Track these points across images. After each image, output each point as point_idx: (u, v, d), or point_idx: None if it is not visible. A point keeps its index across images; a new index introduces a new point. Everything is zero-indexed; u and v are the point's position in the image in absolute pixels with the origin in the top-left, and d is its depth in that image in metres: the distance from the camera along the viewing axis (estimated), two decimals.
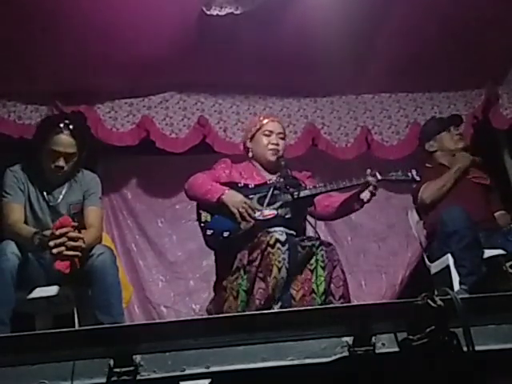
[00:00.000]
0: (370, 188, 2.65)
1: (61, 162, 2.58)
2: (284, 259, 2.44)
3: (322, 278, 2.50)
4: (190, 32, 3.37)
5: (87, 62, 3.45)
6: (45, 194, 2.64)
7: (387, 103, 4.22)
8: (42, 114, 3.70)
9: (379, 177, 2.68)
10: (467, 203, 3.03)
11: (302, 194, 2.72)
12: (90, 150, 2.74)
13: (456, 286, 2.80)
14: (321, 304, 2.45)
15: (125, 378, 1.68)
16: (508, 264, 2.88)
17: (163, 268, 4.08)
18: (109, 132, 3.81)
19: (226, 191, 2.70)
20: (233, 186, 2.78)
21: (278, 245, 2.46)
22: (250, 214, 2.65)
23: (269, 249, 2.46)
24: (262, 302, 2.38)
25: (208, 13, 3.18)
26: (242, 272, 2.52)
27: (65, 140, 2.58)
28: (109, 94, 3.85)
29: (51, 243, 2.36)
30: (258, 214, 2.68)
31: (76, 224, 2.48)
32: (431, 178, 3.19)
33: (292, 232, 2.67)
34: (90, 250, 2.44)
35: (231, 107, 4.03)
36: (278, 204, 2.72)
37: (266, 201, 2.73)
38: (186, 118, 3.93)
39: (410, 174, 2.73)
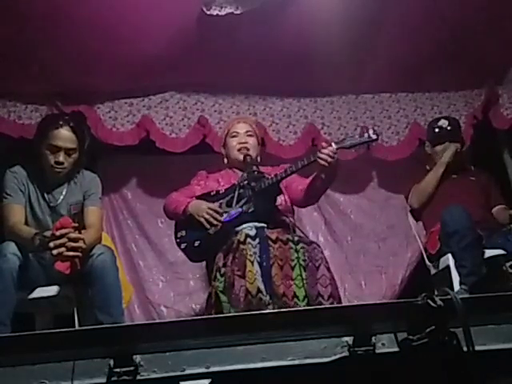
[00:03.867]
0: (324, 157, 2.61)
1: (61, 158, 2.57)
2: (255, 253, 2.46)
3: (304, 281, 2.48)
4: (189, 32, 3.37)
5: (87, 61, 3.45)
6: (45, 194, 2.63)
7: (387, 103, 4.21)
8: (42, 113, 3.69)
9: (334, 146, 2.66)
10: (467, 203, 3.03)
11: (264, 185, 2.74)
12: (90, 149, 2.74)
13: (456, 286, 2.80)
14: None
15: (125, 377, 1.68)
16: (508, 264, 2.89)
17: (163, 268, 4.07)
18: (109, 132, 3.81)
19: (191, 203, 2.76)
20: (206, 195, 2.87)
21: (249, 240, 2.49)
22: (216, 218, 2.71)
23: (241, 246, 2.48)
24: (247, 298, 2.38)
25: (208, 13, 3.18)
26: (217, 275, 2.54)
27: (64, 134, 2.58)
28: (109, 94, 3.84)
29: (51, 244, 2.36)
30: (225, 216, 2.72)
31: (76, 225, 2.48)
32: None
33: (262, 225, 2.67)
34: (90, 250, 2.44)
35: (231, 107, 4.03)
36: (243, 201, 2.76)
37: (234, 201, 2.76)
38: (186, 118, 3.93)
39: (365, 134, 2.67)
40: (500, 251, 2.93)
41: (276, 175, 2.78)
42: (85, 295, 2.51)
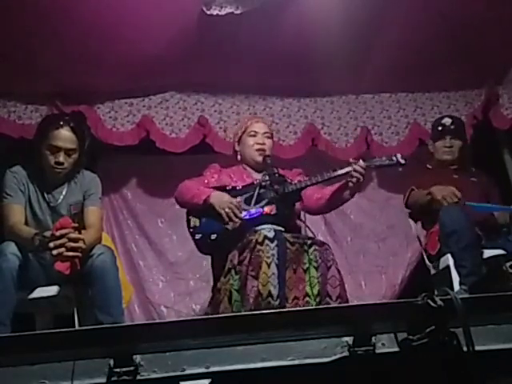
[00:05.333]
0: (356, 175, 2.64)
1: (61, 158, 2.57)
2: (273, 255, 2.45)
3: (316, 280, 2.49)
4: (189, 32, 3.37)
5: (87, 62, 3.45)
6: (45, 194, 2.63)
7: (387, 103, 4.22)
8: (42, 113, 3.70)
9: (363, 164, 2.67)
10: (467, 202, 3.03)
11: (287, 189, 2.73)
12: (90, 149, 2.74)
13: (456, 286, 2.80)
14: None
15: (125, 377, 1.68)
16: (508, 264, 2.88)
17: (163, 268, 4.08)
18: (109, 132, 3.81)
19: (212, 193, 2.74)
20: (221, 189, 2.82)
21: (267, 241, 2.48)
22: (235, 214, 2.67)
23: (258, 246, 2.47)
24: (257, 300, 2.38)
25: (208, 13, 3.18)
26: (232, 272, 2.52)
27: (64, 135, 2.58)
28: (109, 94, 3.85)
29: (51, 244, 2.36)
30: (244, 213, 2.70)
31: (76, 225, 2.48)
32: (430, 181, 3.19)
33: (281, 228, 2.68)
34: (90, 250, 2.44)
35: (231, 107, 4.03)
36: (264, 202, 2.73)
37: (253, 200, 2.74)
38: (186, 118, 3.93)
39: (394, 157, 2.73)
40: (500, 251, 2.93)
41: (300, 182, 2.77)
42: (85, 295, 2.50)
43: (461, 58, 3.73)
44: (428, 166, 3.41)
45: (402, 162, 2.72)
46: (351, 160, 2.70)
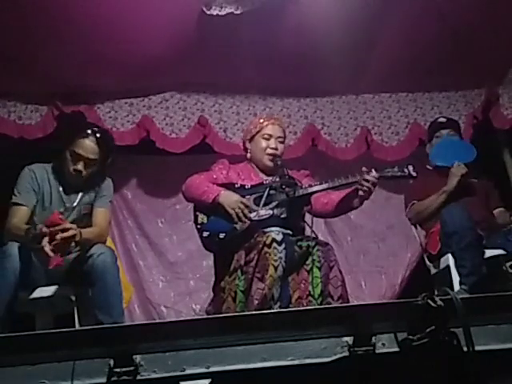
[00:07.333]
0: (368, 185, 2.63)
1: (79, 166, 2.61)
2: (281, 258, 2.44)
3: (319, 280, 2.48)
4: (189, 32, 3.38)
5: (87, 61, 3.46)
6: (62, 194, 2.65)
7: (387, 103, 4.22)
8: (42, 113, 3.71)
9: (375, 174, 2.67)
10: (467, 203, 3.03)
11: (298, 193, 2.72)
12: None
13: (456, 286, 2.80)
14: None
15: (125, 377, 1.68)
16: (508, 264, 2.88)
17: (163, 268, 4.08)
18: (109, 132, 3.81)
19: (222, 192, 2.71)
20: (230, 186, 2.78)
21: (275, 244, 2.47)
22: (245, 214, 2.65)
23: (265, 249, 2.46)
24: (261, 302, 2.37)
25: (208, 13, 3.18)
26: (239, 273, 2.51)
27: (88, 145, 2.61)
28: (109, 93, 3.85)
29: (44, 242, 2.34)
30: (253, 214, 2.68)
31: (63, 216, 2.49)
32: (429, 182, 3.19)
33: (288, 231, 2.67)
34: (90, 250, 2.44)
35: (231, 107, 4.03)
36: (273, 204, 2.71)
37: (262, 201, 2.72)
38: (186, 118, 3.94)
39: (406, 169, 2.72)
40: (500, 251, 2.93)
41: (311, 186, 2.74)
42: (85, 295, 2.51)
43: (461, 58, 3.73)
44: (427, 166, 3.41)
45: (414, 174, 2.70)
46: (364, 169, 2.68)
